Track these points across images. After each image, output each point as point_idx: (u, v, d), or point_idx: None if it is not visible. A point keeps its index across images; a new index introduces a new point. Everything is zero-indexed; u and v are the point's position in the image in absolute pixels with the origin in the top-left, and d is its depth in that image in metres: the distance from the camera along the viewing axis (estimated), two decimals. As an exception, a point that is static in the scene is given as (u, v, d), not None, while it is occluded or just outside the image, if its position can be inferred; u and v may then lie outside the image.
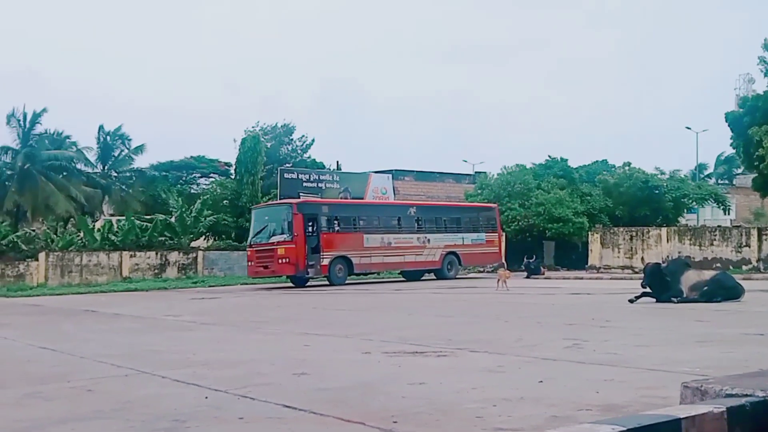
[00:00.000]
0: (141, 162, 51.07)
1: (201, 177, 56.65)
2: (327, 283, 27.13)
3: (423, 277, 30.41)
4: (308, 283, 27.35)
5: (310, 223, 26.67)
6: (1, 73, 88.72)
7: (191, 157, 56.65)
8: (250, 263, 27.48)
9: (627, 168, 39.74)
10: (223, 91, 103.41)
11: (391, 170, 39.46)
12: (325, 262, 26.57)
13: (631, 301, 14.30)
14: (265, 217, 27.56)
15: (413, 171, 44.51)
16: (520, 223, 36.68)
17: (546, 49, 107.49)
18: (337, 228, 27.63)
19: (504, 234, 36.91)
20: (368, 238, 28.04)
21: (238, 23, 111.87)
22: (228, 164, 53.68)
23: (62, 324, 13.71)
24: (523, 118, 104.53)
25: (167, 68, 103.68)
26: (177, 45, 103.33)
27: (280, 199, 32.86)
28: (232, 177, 42.42)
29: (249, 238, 27.99)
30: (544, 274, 30.79)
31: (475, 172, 48.12)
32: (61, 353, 9.20)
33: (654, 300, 14.40)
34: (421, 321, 12.40)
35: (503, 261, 34.70)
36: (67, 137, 46.35)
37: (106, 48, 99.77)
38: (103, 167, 48.98)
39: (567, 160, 40.82)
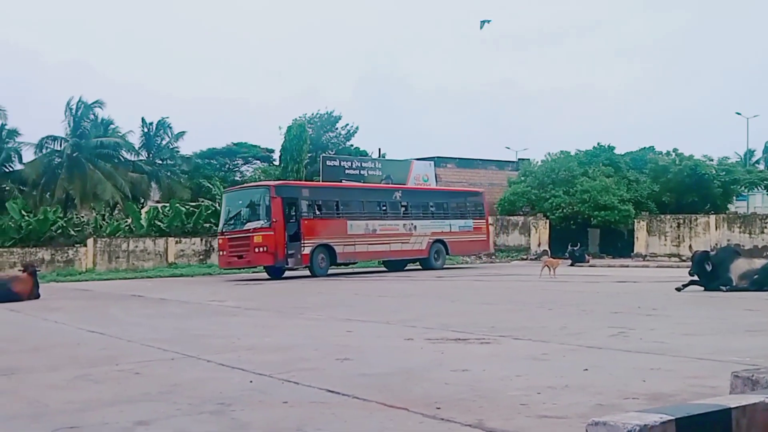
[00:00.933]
0: (184, 150, 51.87)
1: (244, 164, 57.24)
2: (308, 274, 24.65)
3: (406, 267, 28.33)
4: (286, 274, 25.12)
5: (290, 208, 24.09)
6: (55, 63, 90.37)
7: (233, 143, 57.30)
8: (221, 253, 24.72)
9: (674, 154, 38.96)
10: (266, 81, 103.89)
11: (433, 157, 39.29)
12: (307, 250, 23.81)
13: (678, 289, 14.07)
14: (238, 202, 24.61)
15: (455, 158, 44.24)
16: (564, 211, 36.28)
17: (593, 35, 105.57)
18: (318, 213, 25.07)
19: (548, 221, 36.58)
20: (352, 224, 25.57)
21: (281, 13, 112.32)
22: (269, 150, 54.09)
23: (110, 308, 13.98)
24: (568, 104, 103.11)
25: (209, 59, 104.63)
26: (220, 35, 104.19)
27: None
28: (275, 164, 42.67)
29: (220, 225, 25.27)
30: (588, 261, 30.41)
31: (519, 159, 47.70)
32: (109, 337, 9.39)
33: (702, 288, 14.15)
34: (464, 308, 12.37)
35: (547, 249, 34.47)
36: (111, 123, 47.09)
37: (150, 40, 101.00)
38: (148, 155, 49.77)
39: (614, 148, 40.14)
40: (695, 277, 14.40)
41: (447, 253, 28.78)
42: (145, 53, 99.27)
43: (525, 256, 35.82)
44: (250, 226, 23.49)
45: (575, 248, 30.42)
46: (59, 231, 31.02)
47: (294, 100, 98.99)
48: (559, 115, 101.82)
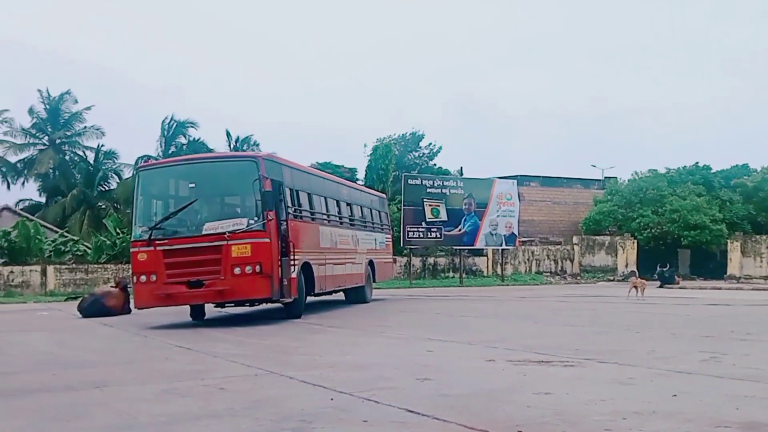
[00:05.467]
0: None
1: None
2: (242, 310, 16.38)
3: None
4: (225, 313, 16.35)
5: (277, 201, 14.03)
6: (152, 89, 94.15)
7: (317, 162, 58.16)
8: (142, 278, 13.68)
9: (767, 172, 37.41)
10: (353, 103, 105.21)
11: (516, 176, 38.92)
12: (294, 273, 14.35)
13: (775, 313, 13.45)
14: (189, 185, 14.32)
15: (539, 177, 43.69)
16: (652, 231, 35.29)
17: (685, 48, 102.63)
18: (300, 213, 15.69)
19: (635, 241, 35.64)
20: (323, 232, 16.97)
21: (365, 34, 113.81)
22: (352, 170, 54.63)
23: (197, 324, 14.34)
24: (657, 121, 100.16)
25: (295, 79, 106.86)
26: (304, 58, 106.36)
27: (404, 206, 31.90)
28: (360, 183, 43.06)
29: (136, 228, 14.25)
30: (678, 283, 29.45)
31: (605, 178, 46.73)
32: (196, 352, 9.63)
33: (801, 313, 13.48)
34: (547, 330, 12.14)
35: (635, 269, 33.54)
36: (200, 142, 48.49)
37: (235, 63, 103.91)
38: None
39: (710, 167, 38.86)
40: (794, 301, 13.74)
41: (373, 280, 21.00)
42: (230, 79, 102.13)
43: (611, 277, 35.00)
44: (221, 227, 13.44)
45: (664, 269, 29.53)
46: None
47: (380, 122, 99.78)
48: (648, 132, 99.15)
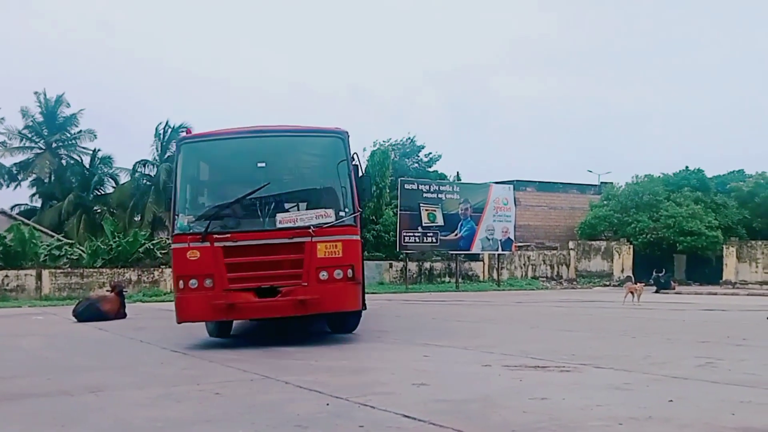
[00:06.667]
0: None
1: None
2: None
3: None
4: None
5: None
6: (147, 93, 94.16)
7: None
8: (189, 282, 10.64)
9: (761, 177, 37.51)
10: (350, 108, 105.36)
11: (513, 181, 38.96)
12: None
13: (770, 318, 13.50)
14: (261, 162, 11.34)
15: (535, 182, 43.76)
16: (648, 236, 35.34)
17: (683, 54, 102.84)
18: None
19: (631, 246, 35.68)
20: None
21: (365, 38, 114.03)
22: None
23: (193, 329, 14.30)
24: (654, 126, 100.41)
25: (292, 84, 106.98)
26: (301, 62, 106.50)
27: (400, 211, 31.60)
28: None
29: (182, 218, 10.99)
30: (674, 288, 29.49)
31: (601, 183, 46.81)
32: (191, 357, 9.62)
33: (796, 318, 13.52)
34: (543, 335, 12.14)
35: (630, 275, 33.57)
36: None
37: (230, 66, 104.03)
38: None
39: (703, 171, 39.02)
40: (789, 307, 13.77)
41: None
42: (225, 82, 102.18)
43: (607, 282, 35.03)
44: (300, 219, 10.81)
45: (660, 274, 29.58)
46: (145, 252, 32.05)
47: (378, 127, 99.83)
48: (644, 137, 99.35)
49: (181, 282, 10.63)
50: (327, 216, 10.69)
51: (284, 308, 10.58)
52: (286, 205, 11.30)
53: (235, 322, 12.39)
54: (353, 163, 11.18)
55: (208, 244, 10.47)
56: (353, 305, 10.96)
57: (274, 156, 11.39)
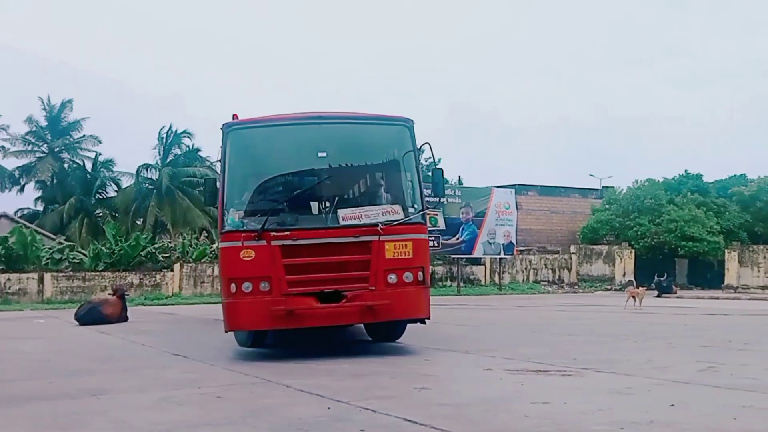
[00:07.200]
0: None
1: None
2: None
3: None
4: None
5: None
6: (152, 97, 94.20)
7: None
8: (243, 286, 9.46)
9: (763, 182, 37.46)
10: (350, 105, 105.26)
11: (515, 185, 38.92)
12: None
13: (772, 323, 13.48)
14: (322, 152, 10.20)
15: (537, 186, 43.70)
16: (650, 240, 35.31)
17: (686, 57, 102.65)
18: None
19: (633, 250, 35.64)
20: None
21: (366, 43, 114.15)
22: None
23: (194, 333, 14.34)
24: (657, 130, 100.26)
25: (293, 90, 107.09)
26: (303, 68, 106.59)
27: None
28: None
29: (232, 213, 9.83)
30: (676, 293, 29.44)
31: (603, 187, 46.77)
32: (193, 360, 9.62)
33: (798, 323, 13.50)
34: (545, 339, 12.13)
35: (632, 279, 33.54)
36: (199, 151, 48.63)
37: (232, 72, 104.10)
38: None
39: (702, 176, 38.96)
40: (791, 311, 13.75)
41: None
42: (227, 88, 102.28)
43: (609, 287, 34.98)
44: (365, 215, 9.78)
45: (662, 279, 29.53)
46: (148, 256, 32.06)
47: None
48: (647, 141, 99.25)
49: (233, 285, 9.48)
50: (394, 212, 9.74)
51: (350, 315, 9.62)
52: (350, 201, 10.25)
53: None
54: (421, 152, 10.32)
55: (264, 242, 9.38)
56: (423, 311, 9.94)
57: (335, 145, 10.26)
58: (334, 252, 9.45)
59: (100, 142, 47.45)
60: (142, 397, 6.75)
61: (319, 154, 10.05)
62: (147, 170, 45.71)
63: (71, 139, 47.33)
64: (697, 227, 34.08)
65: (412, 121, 10.26)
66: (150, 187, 45.15)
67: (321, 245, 9.46)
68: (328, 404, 6.07)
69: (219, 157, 10.66)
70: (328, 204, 10.00)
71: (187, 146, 47.59)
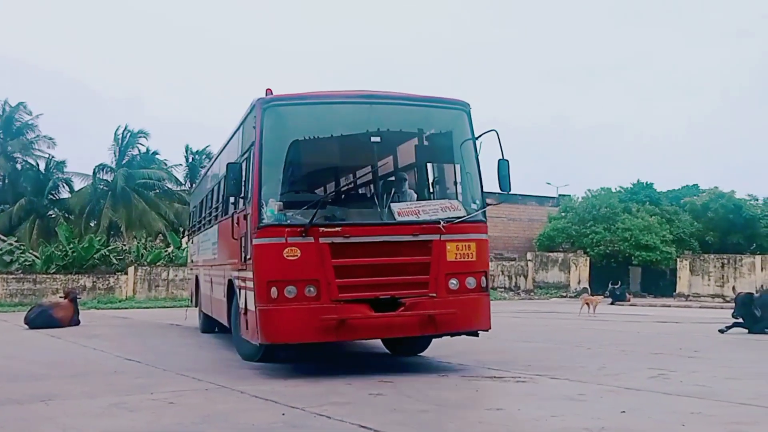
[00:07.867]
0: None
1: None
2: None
3: None
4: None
5: None
6: (111, 97, 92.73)
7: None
8: (285, 290, 8.02)
9: (714, 193, 38.36)
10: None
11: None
12: None
13: (721, 331, 13.77)
14: (377, 137, 8.84)
15: (494, 192, 44.00)
16: (604, 248, 35.86)
17: (638, 70, 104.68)
18: None
19: (588, 258, 36.12)
20: None
21: (328, 40, 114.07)
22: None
23: (148, 337, 14.13)
24: (611, 141, 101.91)
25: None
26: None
27: None
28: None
29: (271, 204, 8.24)
30: (629, 300, 29.92)
31: (559, 195, 47.35)
32: (146, 365, 9.47)
33: (746, 331, 13.80)
34: (500, 345, 12.21)
35: (587, 286, 34.01)
36: (157, 154, 48.11)
37: (193, 75, 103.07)
38: (191, 185, 50.62)
39: (653, 185, 39.73)
40: (739, 319, 14.05)
41: None
42: (191, 87, 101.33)
43: (565, 294, 35.40)
44: (423, 211, 8.64)
45: (616, 286, 30.00)
46: (101, 259, 31.55)
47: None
48: (603, 151, 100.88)
49: (273, 289, 8.02)
50: (455, 209, 8.60)
51: (409, 327, 8.36)
52: (405, 194, 9.07)
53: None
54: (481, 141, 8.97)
55: (311, 239, 8.05)
56: (485, 322, 8.78)
57: (388, 129, 8.95)
58: (390, 252, 8.27)
59: (55, 144, 46.62)
60: (92, 402, 6.62)
61: (372, 139, 8.79)
62: (103, 171, 45.04)
63: (25, 140, 46.41)
64: (651, 236, 34.73)
65: (470, 105, 9.12)
66: (105, 188, 44.47)
67: (375, 244, 8.25)
68: (283, 410, 6.03)
69: (239, 140, 9.51)
70: (383, 197, 8.80)
71: (145, 147, 47.08)
